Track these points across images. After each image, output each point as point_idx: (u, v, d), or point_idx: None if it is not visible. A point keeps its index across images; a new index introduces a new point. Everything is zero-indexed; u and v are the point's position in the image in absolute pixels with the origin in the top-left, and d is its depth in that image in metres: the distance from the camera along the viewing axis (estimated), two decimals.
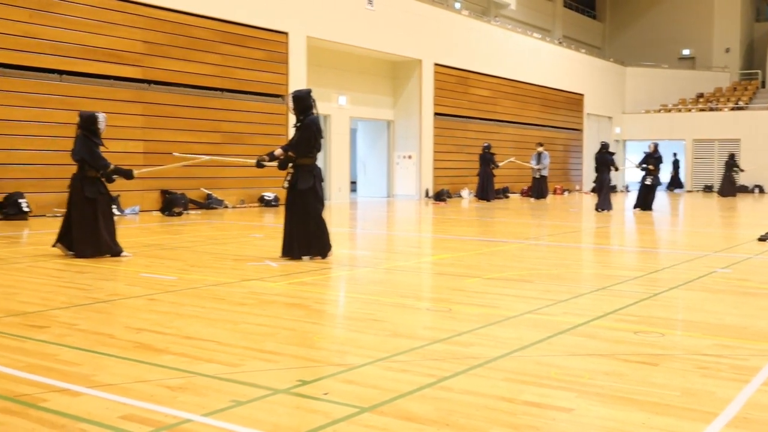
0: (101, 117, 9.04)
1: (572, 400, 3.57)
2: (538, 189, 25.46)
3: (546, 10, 38.18)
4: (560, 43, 35.33)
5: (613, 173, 19.69)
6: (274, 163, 8.92)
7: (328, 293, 6.97)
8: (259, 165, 9.10)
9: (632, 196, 25.71)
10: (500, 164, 24.67)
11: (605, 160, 19.24)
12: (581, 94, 34.81)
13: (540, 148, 25.60)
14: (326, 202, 9.14)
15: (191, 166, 16.63)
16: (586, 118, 35.42)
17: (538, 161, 25.38)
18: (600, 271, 8.56)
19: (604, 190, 18.87)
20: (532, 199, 25.47)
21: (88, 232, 8.74)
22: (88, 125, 8.93)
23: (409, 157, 25.40)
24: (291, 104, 8.75)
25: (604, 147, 19.61)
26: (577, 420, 3.31)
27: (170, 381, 3.81)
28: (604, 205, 18.76)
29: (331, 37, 21.41)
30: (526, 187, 28.28)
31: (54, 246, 8.97)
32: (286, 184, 8.74)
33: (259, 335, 4.88)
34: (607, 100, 37.03)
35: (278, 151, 8.80)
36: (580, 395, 3.64)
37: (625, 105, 38.36)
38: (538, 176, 25.46)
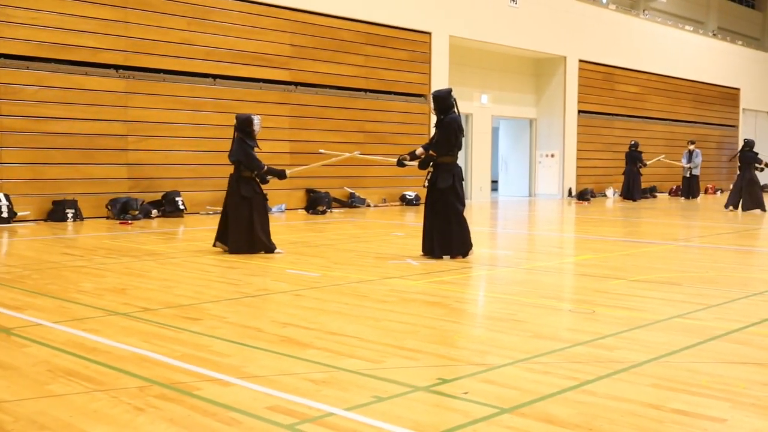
0: (256, 119, 9.36)
1: (725, 410, 3.39)
2: (688, 188, 24.46)
3: (699, 1, 36.44)
4: (714, 35, 33.63)
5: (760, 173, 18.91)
6: (415, 162, 8.99)
7: (468, 292, 6.95)
8: (400, 164, 9.20)
9: None
10: (648, 163, 23.83)
11: (746, 157, 18.50)
12: (737, 89, 33.02)
13: (691, 146, 24.57)
14: (467, 201, 9.12)
15: (336, 166, 17.04)
16: (743, 114, 33.58)
17: (689, 159, 24.38)
18: (756, 275, 8.09)
19: (738, 189, 18.32)
20: (681, 199, 24.46)
21: (243, 230, 9.10)
22: (243, 127, 9.29)
23: (552, 155, 24.92)
24: (432, 104, 8.80)
25: (748, 144, 18.78)
26: None
27: (314, 375, 3.92)
28: (733, 202, 18.27)
29: (473, 36, 21.32)
30: (675, 186, 27.14)
31: (215, 246, 9.39)
32: (426, 183, 8.79)
33: (400, 333, 4.94)
34: (766, 94, 34.94)
35: (419, 150, 8.87)
36: (734, 405, 3.45)
37: None
38: (688, 175, 24.45)
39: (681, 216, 17.42)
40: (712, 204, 22.22)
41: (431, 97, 8.83)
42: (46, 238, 11.13)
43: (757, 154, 18.73)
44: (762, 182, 19.37)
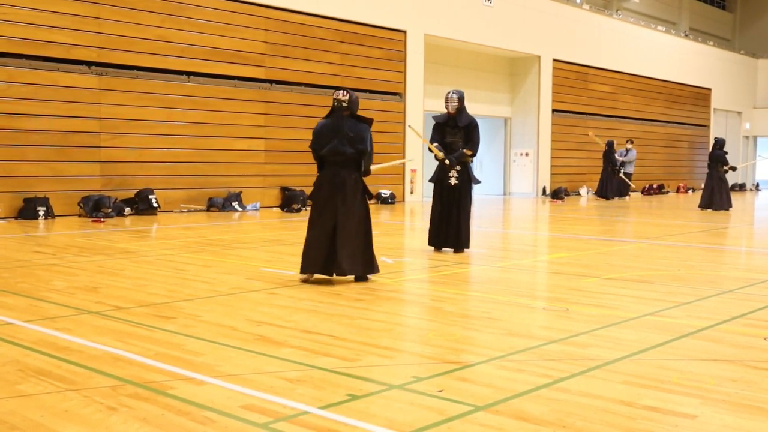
0: None
1: (696, 406, 3.44)
2: (617, 186, 23.75)
3: (671, 2, 36.81)
4: (686, 35, 34.00)
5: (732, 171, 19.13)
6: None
7: (443, 290, 6.97)
8: (445, 161, 9.30)
9: (763, 196, 24.45)
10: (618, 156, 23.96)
11: (715, 156, 18.69)
12: (708, 89, 33.41)
13: (629, 145, 24.56)
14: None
15: (310, 163, 17.00)
16: (714, 114, 33.99)
17: (624, 155, 24.12)
18: (725, 273, 8.19)
19: (708, 189, 18.56)
20: (614, 196, 23.67)
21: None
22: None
23: (526, 154, 25.06)
24: (456, 104, 9.29)
25: (718, 143, 18.88)
26: (701, 427, 3.19)
27: (289, 373, 3.91)
28: (705, 202, 18.43)
29: (448, 35, 21.38)
30: (647, 186, 27.41)
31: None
32: (454, 181, 9.15)
33: (374, 331, 4.94)
34: (736, 94, 35.40)
35: (465, 152, 9.28)
36: (704, 402, 3.50)
37: (756, 99, 36.56)
38: (622, 173, 23.67)
39: (653, 215, 17.59)
40: (683, 203, 22.45)
41: (455, 96, 9.18)
42: (16, 236, 10.99)
43: (726, 153, 18.92)
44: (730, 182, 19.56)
